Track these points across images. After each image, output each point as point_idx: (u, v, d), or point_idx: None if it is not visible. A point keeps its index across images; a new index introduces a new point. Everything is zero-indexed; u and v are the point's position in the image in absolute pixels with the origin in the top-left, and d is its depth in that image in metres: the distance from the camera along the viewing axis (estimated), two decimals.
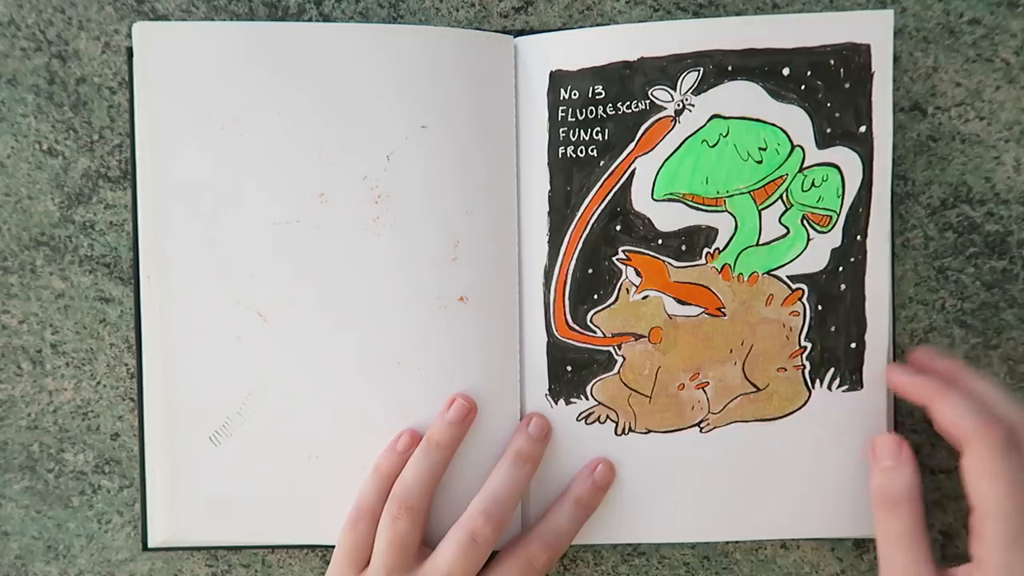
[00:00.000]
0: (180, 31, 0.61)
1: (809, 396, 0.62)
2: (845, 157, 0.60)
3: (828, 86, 0.59)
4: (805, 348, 0.62)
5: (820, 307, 0.61)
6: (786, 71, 0.59)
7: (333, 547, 0.62)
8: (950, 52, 0.63)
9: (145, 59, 0.60)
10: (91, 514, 0.67)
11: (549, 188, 0.62)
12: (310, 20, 0.64)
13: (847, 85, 0.59)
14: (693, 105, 0.60)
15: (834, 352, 0.62)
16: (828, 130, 0.60)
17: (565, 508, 0.61)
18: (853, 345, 0.61)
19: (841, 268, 0.61)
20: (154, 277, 0.62)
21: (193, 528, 0.63)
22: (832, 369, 0.62)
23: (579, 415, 0.63)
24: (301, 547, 0.66)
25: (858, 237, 0.61)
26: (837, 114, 0.60)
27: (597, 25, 0.63)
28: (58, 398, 0.66)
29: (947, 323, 0.64)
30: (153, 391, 0.62)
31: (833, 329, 0.61)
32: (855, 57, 0.59)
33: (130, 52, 0.61)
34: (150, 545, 0.64)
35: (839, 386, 0.62)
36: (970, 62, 0.63)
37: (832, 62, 0.59)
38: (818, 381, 0.62)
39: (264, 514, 0.63)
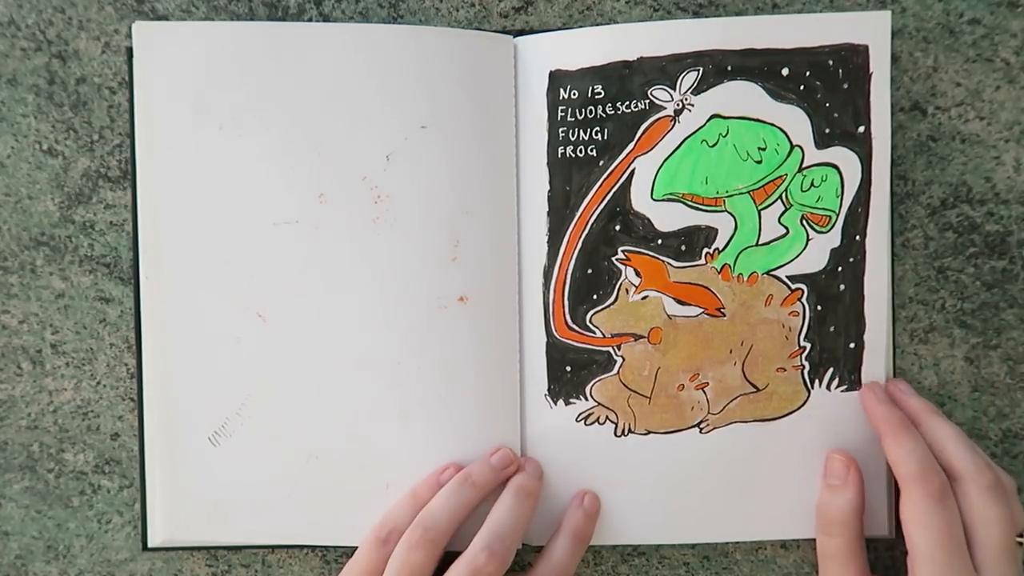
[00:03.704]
0: (180, 31, 0.60)
1: (808, 396, 0.61)
2: (844, 157, 0.60)
3: (827, 86, 0.59)
4: (804, 348, 0.61)
5: (819, 307, 0.61)
6: (785, 71, 0.59)
7: (333, 547, 0.62)
8: (950, 52, 0.62)
9: (145, 59, 0.60)
10: (91, 514, 0.66)
11: (548, 188, 0.61)
12: (310, 20, 0.63)
13: (845, 85, 0.59)
14: (692, 105, 0.60)
15: (833, 352, 0.61)
16: (827, 130, 0.59)
17: (563, 543, 0.61)
18: (852, 345, 0.61)
19: (840, 268, 0.60)
20: (154, 277, 0.61)
21: (193, 528, 0.63)
22: (831, 369, 0.61)
23: (578, 416, 0.62)
24: (301, 547, 0.66)
25: (857, 237, 0.60)
26: (836, 114, 0.59)
27: (597, 25, 0.63)
28: (58, 398, 0.65)
29: (947, 323, 0.64)
30: (153, 391, 0.62)
31: (832, 329, 0.61)
32: (853, 58, 0.59)
33: (130, 52, 0.61)
34: (150, 545, 0.63)
35: (838, 386, 0.61)
36: (970, 62, 0.62)
37: (831, 62, 0.59)
38: (817, 381, 0.61)
39: (264, 514, 0.62)
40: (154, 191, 0.61)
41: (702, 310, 0.61)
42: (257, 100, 0.60)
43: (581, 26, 0.62)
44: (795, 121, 0.59)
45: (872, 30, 0.59)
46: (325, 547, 0.66)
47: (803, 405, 0.61)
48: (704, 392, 0.61)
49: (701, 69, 0.59)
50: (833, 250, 0.60)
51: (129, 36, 0.62)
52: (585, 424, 0.62)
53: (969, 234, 0.63)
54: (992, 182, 0.63)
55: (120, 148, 0.64)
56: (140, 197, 0.61)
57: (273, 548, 0.66)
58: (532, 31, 0.63)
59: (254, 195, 0.61)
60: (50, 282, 0.65)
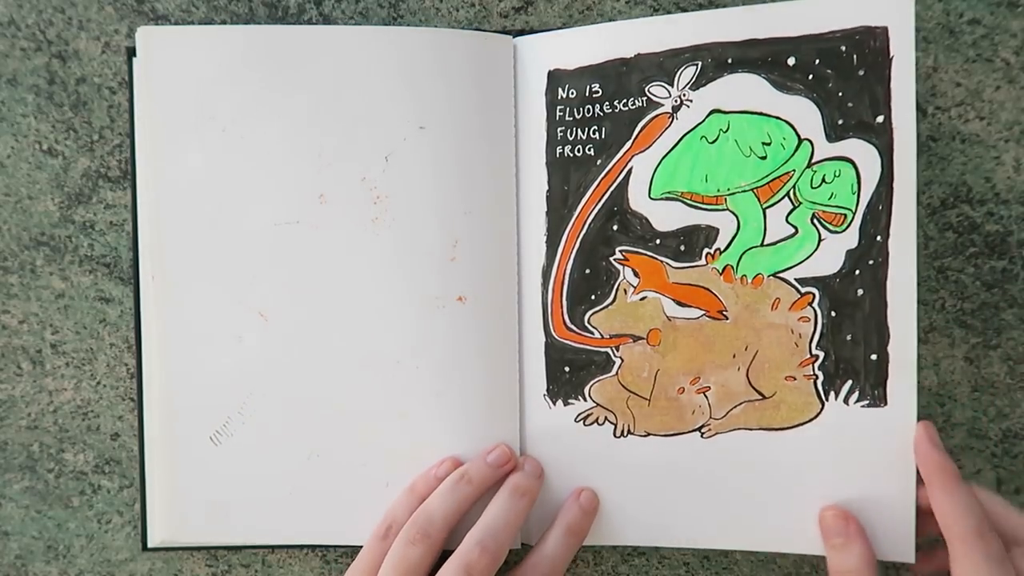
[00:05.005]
0: (182, 35, 0.57)
1: (822, 408, 0.56)
2: (860, 150, 0.53)
3: (839, 74, 0.53)
4: (817, 357, 0.55)
5: (833, 313, 0.55)
6: (791, 61, 0.53)
7: (333, 547, 0.60)
8: (950, 52, 0.59)
9: (148, 63, 0.57)
10: (91, 514, 0.63)
11: (547, 188, 0.57)
12: (310, 20, 0.60)
13: (861, 72, 0.53)
14: (691, 101, 0.55)
15: (851, 363, 0.55)
16: (840, 122, 0.53)
17: (557, 535, 0.57)
18: (874, 356, 0.55)
19: (858, 271, 0.54)
20: (154, 277, 0.58)
21: (193, 528, 0.59)
22: (850, 381, 0.55)
23: (577, 416, 0.58)
24: (301, 547, 0.63)
25: (878, 238, 0.54)
26: (850, 104, 0.53)
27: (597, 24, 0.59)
28: (58, 398, 0.62)
29: (947, 323, 0.60)
30: (153, 391, 0.59)
31: (849, 338, 0.55)
32: (870, 41, 0.52)
33: (130, 52, 0.58)
34: (150, 545, 0.60)
35: (857, 400, 0.55)
36: (970, 62, 0.59)
37: (843, 48, 0.53)
38: (832, 393, 0.55)
39: (264, 514, 0.59)
40: (154, 191, 0.58)
41: (703, 312, 0.56)
42: (258, 102, 0.57)
43: (581, 26, 0.58)
44: (803, 113, 0.54)
45: (892, 10, 0.52)
46: (325, 547, 0.63)
47: (815, 417, 0.56)
48: (705, 396, 0.57)
49: (700, 63, 0.54)
50: (849, 251, 0.54)
51: (129, 36, 0.60)
52: (584, 425, 0.58)
53: (969, 234, 0.60)
54: (992, 182, 0.59)
55: (120, 148, 0.61)
56: (140, 197, 0.58)
57: (273, 548, 0.63)
58: (532, 31, 0.59)
59: (255, 196, 0.57)
60: (50, 282, 0.62)
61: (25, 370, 0.62)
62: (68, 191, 0.61)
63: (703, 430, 0.57)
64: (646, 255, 0.56)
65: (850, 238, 0.54)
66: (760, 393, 0.56)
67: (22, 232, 0.61)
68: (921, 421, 0.54)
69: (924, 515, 0.53)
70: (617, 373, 0.57)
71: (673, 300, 0.56)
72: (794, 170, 0.54)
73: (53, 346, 0.62)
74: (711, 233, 0.55)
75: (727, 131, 0.54)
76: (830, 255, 0.54)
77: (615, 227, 0.56)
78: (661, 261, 0.56)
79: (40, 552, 0.63)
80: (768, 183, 0.54)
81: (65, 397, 0.62)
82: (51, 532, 0.63)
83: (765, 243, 0.55)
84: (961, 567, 0.49)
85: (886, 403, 0.54)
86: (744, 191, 0.55)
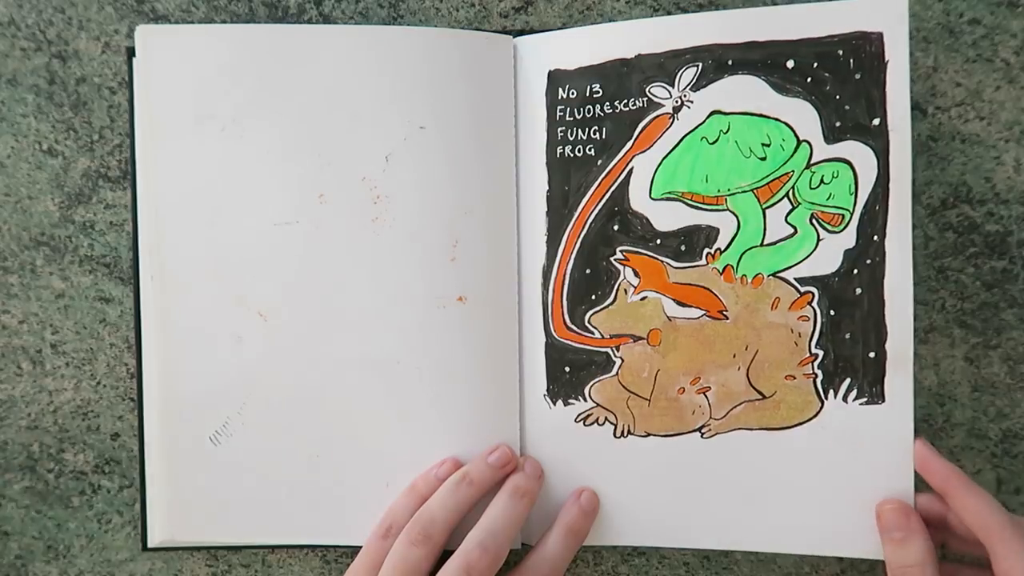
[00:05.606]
0: (182, 33, 0.57)
1: (821, 407, 0.56)
2: (857, 152, 0.54)
3: (837, 78, 0.54)
4: (816, 356, 0.56)
5: (833, 312, 0.55)
6: (790, 63, 0.54)
7: (333, 547, 0.60)
8: (950, 52, 0.59)
9: (147, 61, 0.57)
10: (91, 514, 0.63)
11: (547, 188, 0.57)
12: (310, 20, 0.61)
13: (858, 76, 0.53)
14: (692, 102, 0.55)
15: (850, 361, 0.55)
16: (838, 124, 0.54)
17: (557, 536, 0.57)
18: (872, 355, 0.55)
19: (856, 271, 0.55)
20: (154, 277, 0.58)
21: (193, 528, 0.59)
22: (848, 380, 0.55)
23: (577, 416, 0.58)
24: (301, 547, 0.63)
25: (875, 238, 0.54)
26: (847, 107, 0.54)
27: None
28: (58, 398, 0.62)
29: (947, 323, 0.60)
30: (153, 391, 0.59)
31: (848, 336, 0.55)
32: (866, 46, 0.53)
33: (130, 52, 0.59)
34: (150, 545, 0.60)
35: (856, 398, 0.55)
36: (970, 62, 0.59)
37: (841, 52, 0.53)
38: (832, 392, 0.56)
39: (264, 514, 0.59)
40: (154, 191, 0.58)
41: (703, 312, 0.56)
42: (258, 102, 0.57)
43: (581, 26, 0.58)
44: (802, 115, 0.54)
45: (886, 16, 0.53)
46: (325, 547, 0.63)
47: (815, 416, 0.56)
48: (706, 396, 0.57)
49: (700, 64, 0.54)
50: (847, 251, 0.55)
51: (129, 36, 0.60)
52: (584, 425, 0.58)
53: (969, 234, 0.60)
54: (992, 182, 0.59)
55: (120, 148, 0.61)
56: (140, 197, 0.59)
57: (273, 548, 0.63)
58: (532, 31, 0.60)
59: (254, 195, 0.57)
60: (50, 282, 0.62)
61: (25, 370, 0.62)
62: (68, 191, 0.61)
63: (703, 430, 0.57)
64: (646, 255, 0.57)
65: (848, 238, 0.54)
66: (760, 393, 0.56)
67: (22, 232, 0.61)
68: (917, 438, 0.54)
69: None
70: (617, 373, 0.57)
71: (673, 300, 0.56)
72: (793, 171, 0.54)
73: (53, 346, 0.62)
74: (711, 233, 0.56)
75: (727, 132, 0.55)
76: (829, 255, 0.55)
77: (616, 227, 0.57)
78: (661, 261, 0.57)
79: (40, 552, 0.63)
80: (768, 184, 0.55)
81: (65, 397, 0.62)
82: (51, 532, 0.63)
83: (765, 243, 0.55)
84: (1006, 559, 0.49)
85: (884, 400, 0.55)
86: (744, 191, 0.55)
